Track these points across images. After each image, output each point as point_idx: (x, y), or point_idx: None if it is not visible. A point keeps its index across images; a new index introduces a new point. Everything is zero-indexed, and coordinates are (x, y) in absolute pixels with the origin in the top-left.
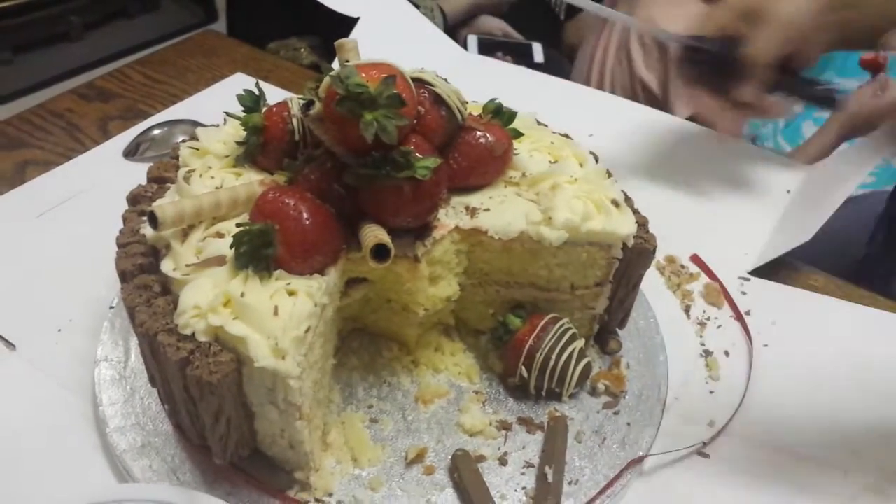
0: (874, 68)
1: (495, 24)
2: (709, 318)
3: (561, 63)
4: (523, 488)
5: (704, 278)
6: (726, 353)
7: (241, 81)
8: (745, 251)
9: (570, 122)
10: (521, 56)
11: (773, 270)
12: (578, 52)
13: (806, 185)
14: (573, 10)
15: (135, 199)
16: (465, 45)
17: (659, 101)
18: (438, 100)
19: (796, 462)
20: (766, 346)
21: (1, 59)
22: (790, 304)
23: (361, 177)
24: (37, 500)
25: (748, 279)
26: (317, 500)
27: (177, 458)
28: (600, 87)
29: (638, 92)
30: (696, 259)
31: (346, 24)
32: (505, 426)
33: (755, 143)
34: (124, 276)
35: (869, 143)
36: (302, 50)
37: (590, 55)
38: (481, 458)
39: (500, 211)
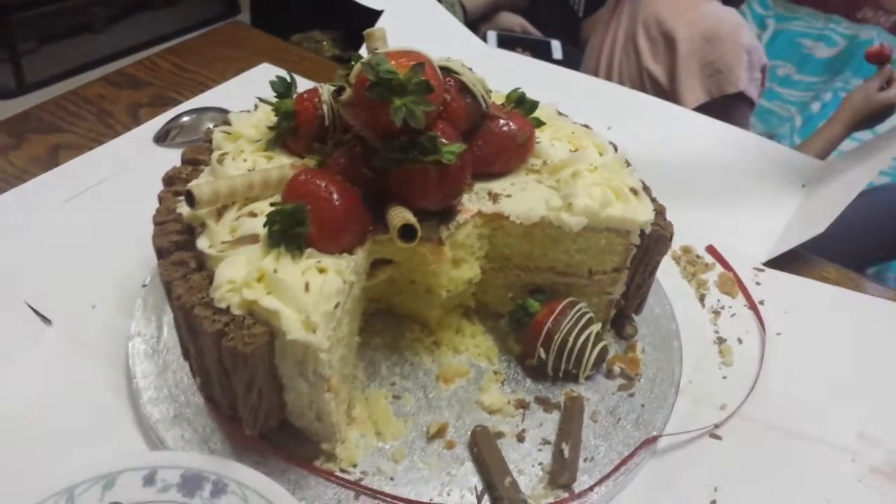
0: (880, 61)
1: (515, 21)
2: (723, 307)
3: (579, 60)
4: (540, 464)
5: (719, 268)
6: (739, 341)
7: (267, 71)
8: (759, 243)
9: (589, 114)
10: (539, 53)
11: (787, 262)
12: (587, 46)
13: (821, 180)
14: (592, 7)
15: (170, 180)
16: (484, 40)
17: (666, 92)
18: (464, 88)
19: (805, 444)
20: (778, 334)
21: (26, 49)
22: (803, 295)
23: (389, 160)
24: (75, 467)
25: (762, 270)
26: (342, 470)
27: (207, 429)
28: (608, 78)
29: (645, 83)
30: (711, 250)
31: (368, 17)
32: (523, 405)
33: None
34: (161, 253)
35: (883, 140)
36: (324, 43)
37: (598, 48)
38: (500, 435)
39: (521, 197)
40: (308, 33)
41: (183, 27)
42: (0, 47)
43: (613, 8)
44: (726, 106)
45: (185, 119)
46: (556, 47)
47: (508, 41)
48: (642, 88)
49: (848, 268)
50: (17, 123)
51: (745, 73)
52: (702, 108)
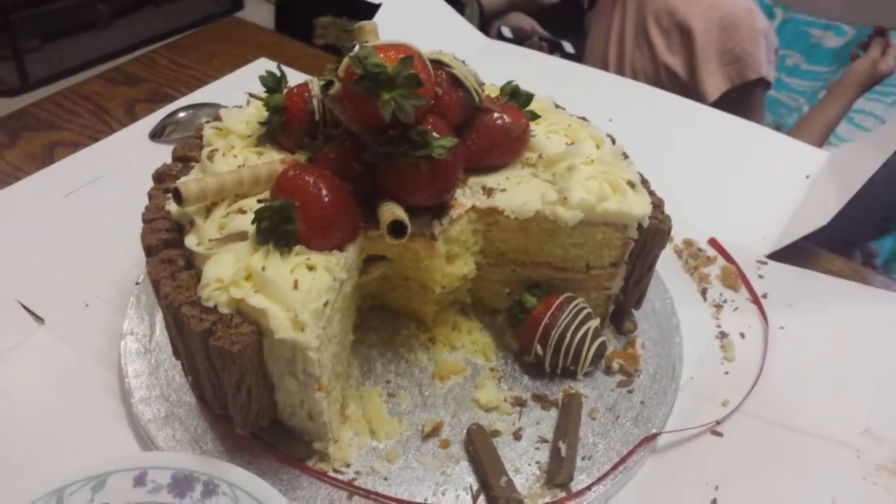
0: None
1: (525, 21)
2: (725, 301)
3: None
4: (537, 462)
5: (722, 261)
6: (742, 335)
7: (264, 66)
8: (763, 235)
9: (591, 106)
10: (552, 47)
11: (790, 254)
12: (588, 38)
13: (825, 170)
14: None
15: (160, 177)
16: (499, 34)
17: (686, 85)
18: (456, 81)
19: (809, 441)
20: (781, 328)
21: (30, 47)
22: (807, 288)
23: (379, 155)
24: (64, 468)
25: (765, 262)
26: (335, 470)
27: (199, 429)
28: (620, 73)
29: (662, 77)
30: (713, 242)
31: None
32: (520, 402)
33: (780, 130)
34: (150, 251)
35: (888, 129)
36: (350, 32)
37: (603, 40)
38: (496, 433)
39: (516, 191)
40: (338, 18)
41: (187, 23)
42: (3, 45)
43: None
44: (747, 91)
45: (181, 115)
46: (567, 45)
47: (524, 34)
48: (658, 82)
49: (838, 246)
50: (11, 121)
51: (764, 57)
52: (722, 96)
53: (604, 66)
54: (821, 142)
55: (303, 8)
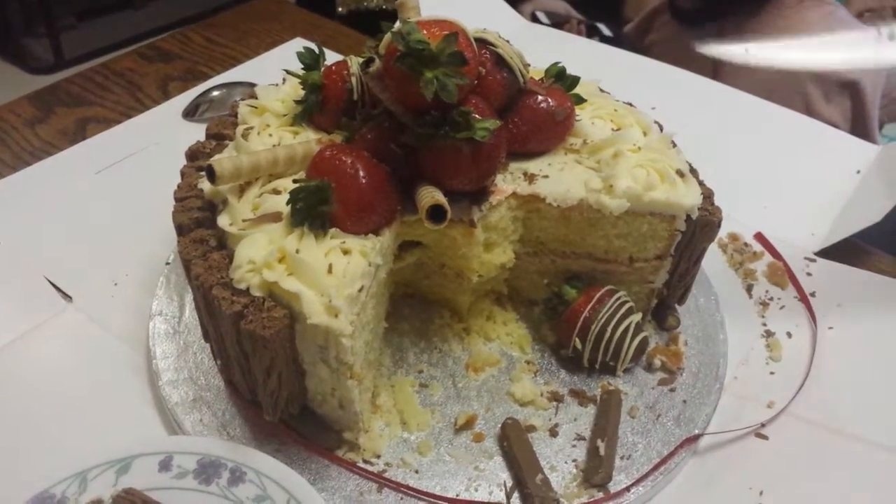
0: None
1: (559, 5)
2: (772, 299)
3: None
4: (574, 460)
5: (768, 257)
6: (789, 335)
7: (300, 46)
8: (811, 231)
9: (632, 93)
10: (591, 28)
11: (840, 252)
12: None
13: (877, 165)
14: None
15: (193, 154)
16: (534, 18)
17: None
18: (500, 61)
19: (858, 446)
20: (830, 328)
21: (65, 25)
22: (857, 287)
23: (419, 136)
24: (89, 449)
25: (814, 260)
26: (365, 461)
27: (227, 414)
28: None
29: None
30: (760, 237)
31: None
32: (556, 397)
33: None
34: (181, 230)
35: None
36: None
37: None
38: (531, 429)
39: (559, 178)
40: None
41: (222, 3)
42: (38, 23)
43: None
44: None
45: (215, 94)
46: (604, 28)
47: (560, 18)
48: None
49: (887, 244)
50: (44, 96)
51: None
52: None
53: None
54: None
55: None
